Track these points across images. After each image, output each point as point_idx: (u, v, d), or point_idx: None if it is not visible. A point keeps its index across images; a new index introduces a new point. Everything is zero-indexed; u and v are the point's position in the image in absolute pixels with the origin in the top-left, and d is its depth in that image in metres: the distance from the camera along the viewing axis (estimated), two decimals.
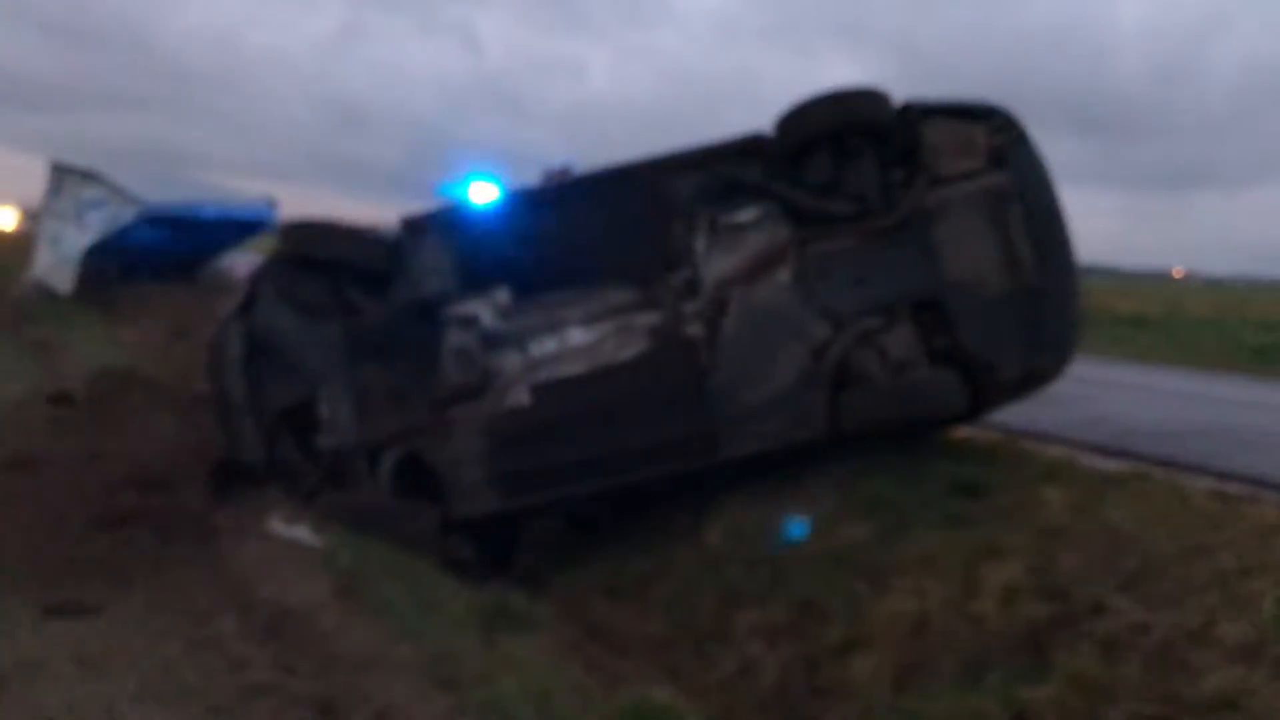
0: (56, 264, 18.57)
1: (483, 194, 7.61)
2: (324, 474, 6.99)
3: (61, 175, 18.92)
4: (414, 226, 7.11)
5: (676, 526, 6.92)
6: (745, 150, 6.85)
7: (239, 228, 20.13)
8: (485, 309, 6.93)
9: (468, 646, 4.89)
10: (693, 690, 5.35)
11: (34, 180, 20.94)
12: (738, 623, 5.84)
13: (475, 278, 6.94)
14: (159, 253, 18.47)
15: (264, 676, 4.59)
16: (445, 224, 7.15)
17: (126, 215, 17.43)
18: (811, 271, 6.76)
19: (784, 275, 6.78)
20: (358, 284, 7.05)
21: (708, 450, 6.70)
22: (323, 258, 7.03)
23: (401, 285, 7.03)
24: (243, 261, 21.80)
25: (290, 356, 7.07)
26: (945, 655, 4.79)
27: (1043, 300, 6.64)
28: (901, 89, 6.78)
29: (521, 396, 6.86)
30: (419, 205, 7.47)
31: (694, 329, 6.77)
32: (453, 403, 6.89)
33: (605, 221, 6.90)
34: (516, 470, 6.81)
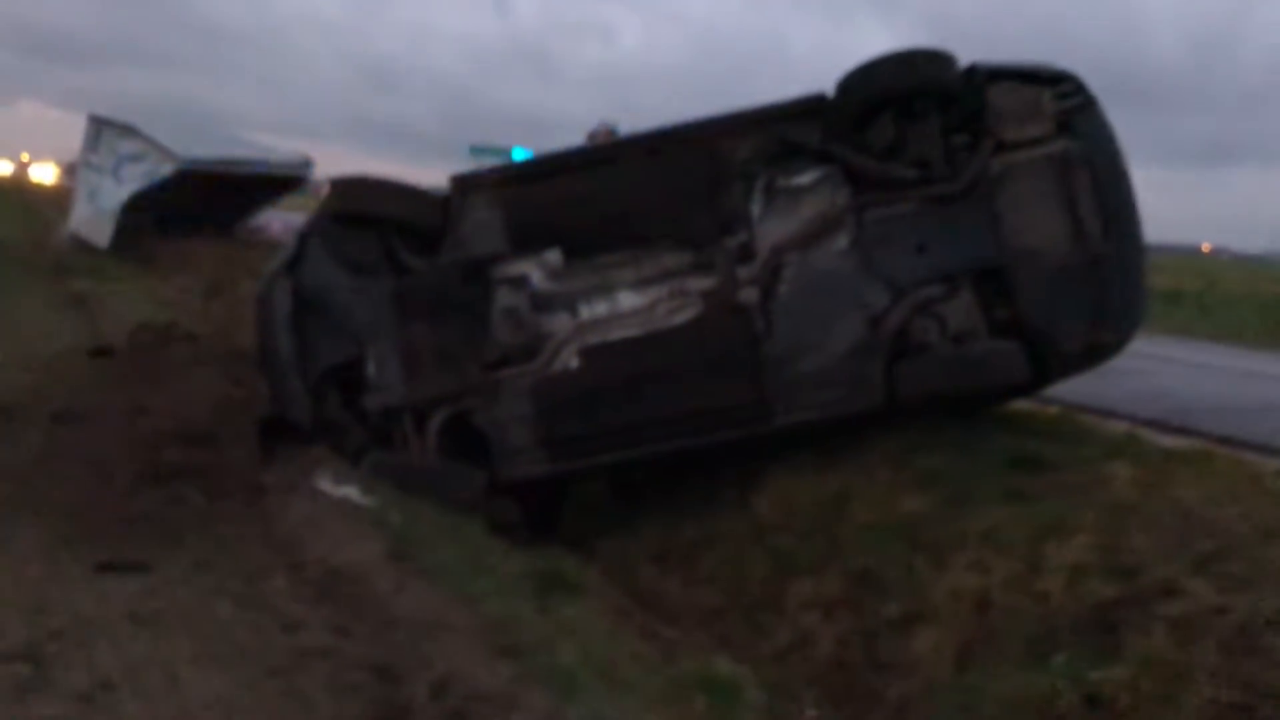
0: (94, 217, 18.65)
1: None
2: (371, 433, 6.91)
3: (100, 128, 18.97)
4: (465, 185, 6.98)
5: (724, 495, 6.82)
6: (805, 111, 6.65)
7: (275, 185, 20.14)
8: (535, 270, 6.80)
9: (524, 612, 4.82)
10: (747, 660, 5.27)
11: (72, 136, 21.05)
12: (791, 594, 5.75)
13: (526, 238, 6.82)
14: (195, 208, 18.48)
15: (319, 639, 4.50)
16: (496, 183, 7.03)
17: (164, 170, 17.45)
18: (870, 237, 6.58)
19: (842, 241, 6.61)
20: (407, 242, 6.93)
21: (761, 418, 6.56)
22: (373, 215, 6.91)
23: (451, 244, 6.90)
24: (278, 219, 21.81)
25: (338, 314, 6.96)
26: (1010, 634, 4.66)
27: (1108, 271, 6.43)
28: None
29: (571, 359, 6.74)
30: (450, 167, 7.34)
31: (748, 294, 6.62)
32: (501, 364, 6.79)
33: (659, 183, 6.74)
34: (565, 434, 6.71)
